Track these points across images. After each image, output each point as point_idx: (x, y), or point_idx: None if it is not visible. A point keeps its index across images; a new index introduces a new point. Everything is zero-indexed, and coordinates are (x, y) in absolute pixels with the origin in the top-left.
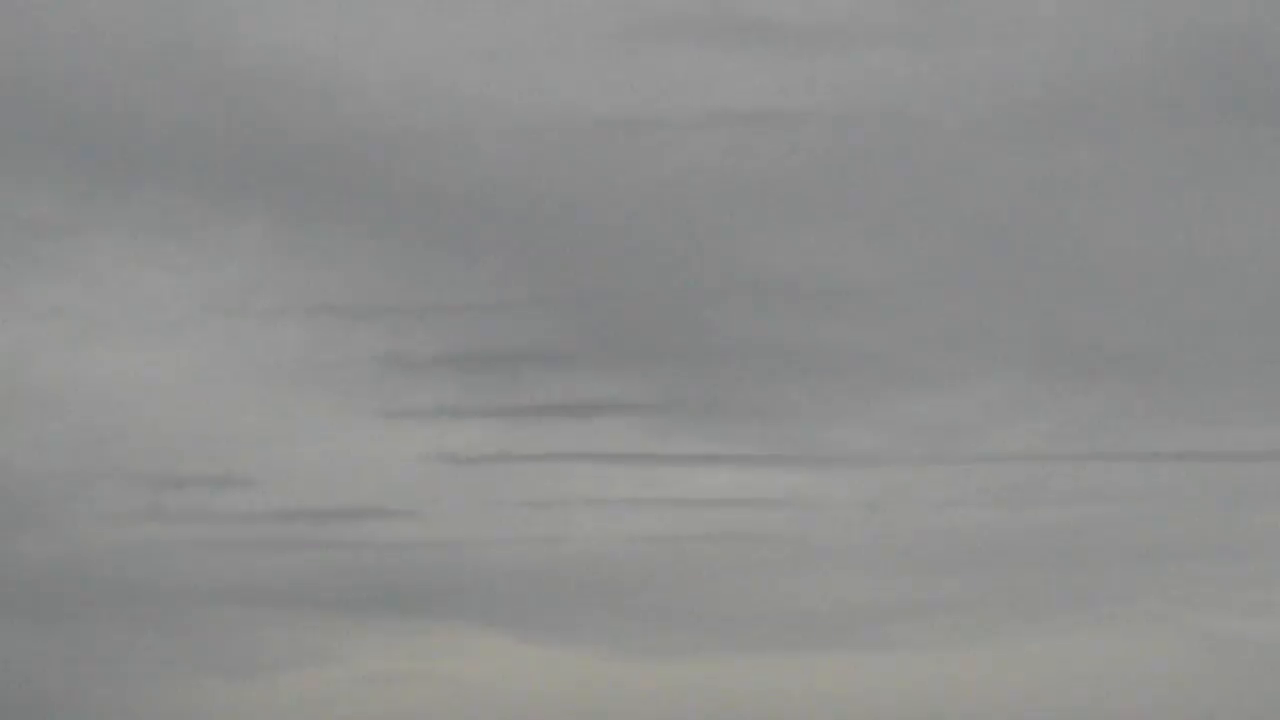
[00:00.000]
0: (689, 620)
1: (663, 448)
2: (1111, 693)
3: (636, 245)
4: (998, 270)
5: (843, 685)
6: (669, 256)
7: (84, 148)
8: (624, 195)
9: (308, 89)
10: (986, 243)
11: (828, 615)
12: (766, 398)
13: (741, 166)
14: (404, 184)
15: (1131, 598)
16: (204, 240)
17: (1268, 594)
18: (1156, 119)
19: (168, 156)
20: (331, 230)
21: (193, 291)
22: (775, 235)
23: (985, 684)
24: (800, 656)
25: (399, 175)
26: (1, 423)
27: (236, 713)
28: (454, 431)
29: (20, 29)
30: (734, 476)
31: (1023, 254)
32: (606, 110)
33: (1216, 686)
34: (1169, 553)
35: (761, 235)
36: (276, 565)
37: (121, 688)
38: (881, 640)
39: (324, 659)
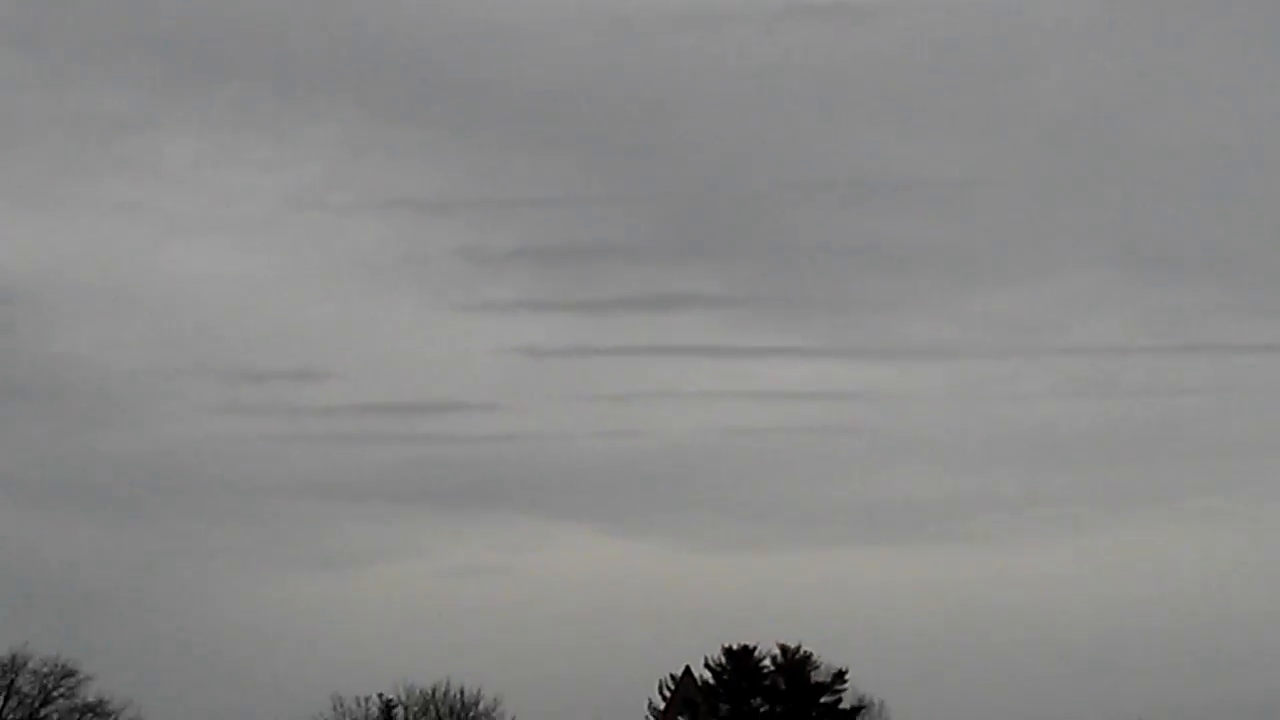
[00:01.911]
0: (765, 513)
1: (741, 341)
2: (1190, 582)
3: (715, 141)
4: (1079, 165)
5: (920, 578)
6: (747, 152)
7: (163, 46)
8: (703, 91)
9: None
10: (1068, 138)
11: (904, 508)
12: (845, 292)
13: (821, 63)
14: (483, 80)
15: (1210, 489)
16: (283, 137)
17: None
18: (1243, 12)
19: (247, 54)
20: (410, 126)
21: (272, 188)
22: (854, 131)
23: (1063, 576)
24: (877, 549)
25: (478, 71)
26: (82, 321)
27: (320, 605)
28: (533, 325)
29: None
30: (812, 370)
31: (1104, 149)
32: (687, 6)
33: None
34: (1248, 445)
35: (841, 131)
36: (357, 459)
37: (205, 581)
38: (959, 533)
39: (406, 552)
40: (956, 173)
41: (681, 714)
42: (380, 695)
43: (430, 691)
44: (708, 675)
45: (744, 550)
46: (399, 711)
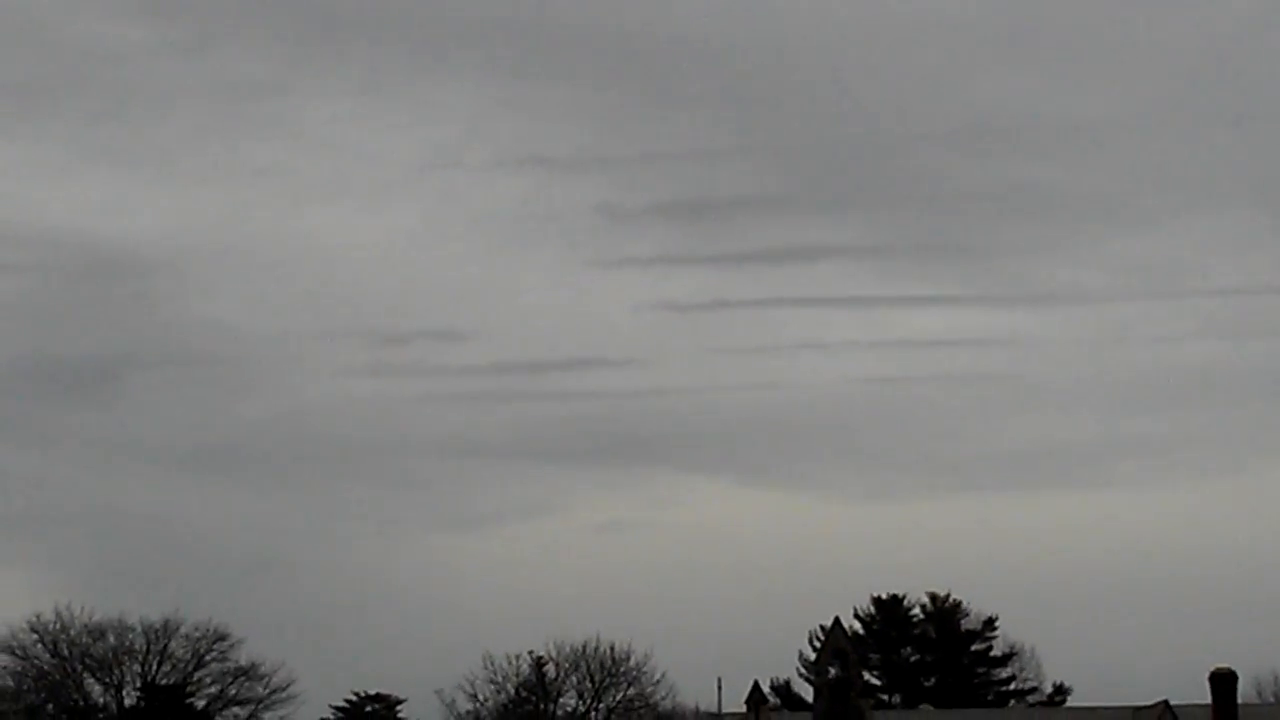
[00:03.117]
0: (909, 462)
1: (880, 291)
2: None
3: (851, 89)
4: (1217, 107)
5: (1067, 524)
6: (884, 100)
7: (295, 8)
8: (839, 40)
9: None
10: (1206, 80)
11: (1048, 454)
12: (984, 238)
13: (958, 7)
14: (616, 35)
15: None
16: (417, 97)
17: None
18: None
19: (378, 15)
20: (544, 83)
21: (407, 148)
22: (990, 77)
23: (1212, 518)
24: (1023, 496)
25: (613, 27)
26: (223, 286)
27: (467, 565)
28: (671, 280)
29: None
30: (952, 318)
31: (1244, 87)
32: None
33: None
34: None
35: (978, 76)
36: (499, 418)
37: (348, 540)
38: (1104, 478)
39: (548, 509)
40: (1096, 115)
41: (832, 664)
42: (530, 653)
43: (580, 648)
44: (857, 625)
45: (889, 499)
46: (550, 668)
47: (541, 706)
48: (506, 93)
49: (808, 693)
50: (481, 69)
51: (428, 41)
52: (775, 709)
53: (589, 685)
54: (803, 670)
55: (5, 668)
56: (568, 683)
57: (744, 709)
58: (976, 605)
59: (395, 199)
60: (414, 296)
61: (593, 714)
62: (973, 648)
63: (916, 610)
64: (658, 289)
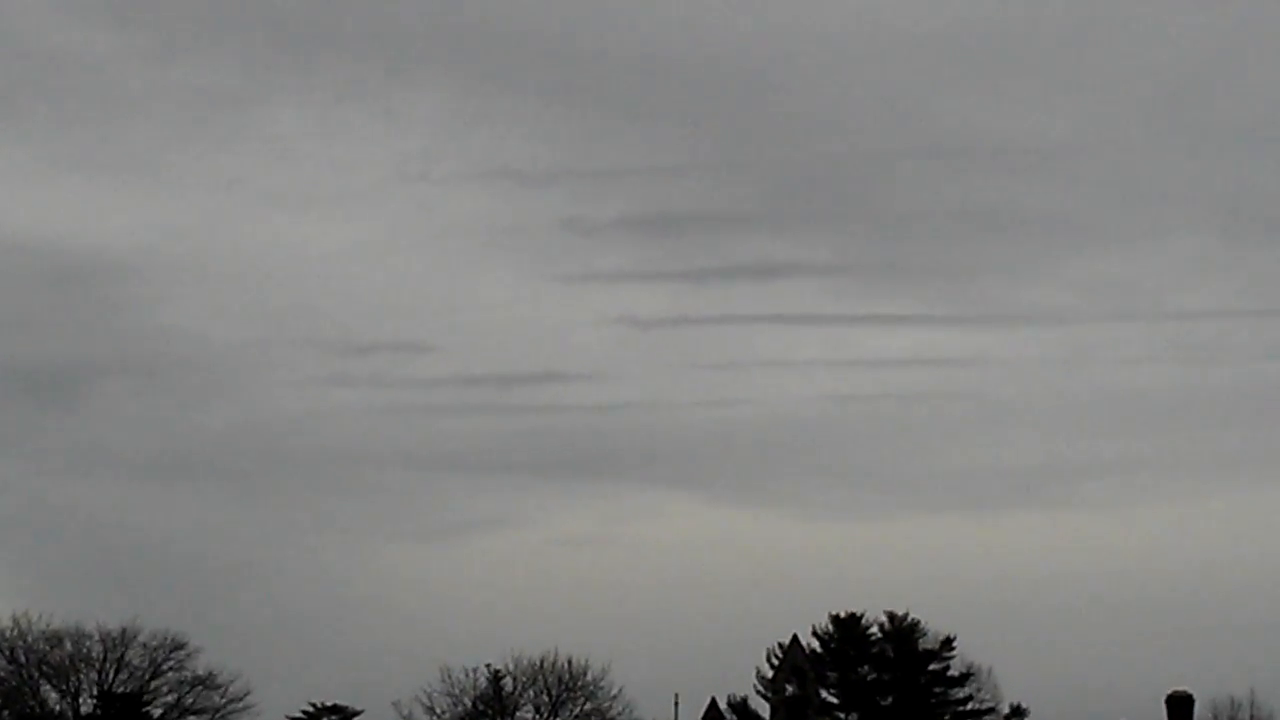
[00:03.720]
0: (871, 480)
1: (846, 309)
2: None
3: (819, 108)
4: (1184, 130)
5: (1027, 544)
6: (852, 119)
7: (264, 18)
8: (807, 58)
9: None
10: (1174, 102)
11: (1010, 474)
12: (950, 258)
13: (926, 28)
14: (586, 50)
15: None
16: (385, 108)
17: None
18: None
19: (348, 26)
20: (511, 96)
21: (374, 160)
22: (957, 98)
23: (1172, 541)
24: (984, 516)
25: (580, 42)
26: (188, 294)
27: (426, 575)
28: (636, 295)
29: None
30: (916, 337)
31: (1210, 113)
32: None
33: None
34: None
35: (946, 96)
36: (462, 430)
37: (311, 550)
38: (1066, 499)
39: (508, 522)
40: (1063, 137)
41: (789, 682)
42: (488, 666)
43: (538, 662)
44: (815, 643)
45: (850, 518)
46: (507, 682)
47: None
48: (474, 106)
49: (765, 710)
50: (450, 82)
51: (396, 53)
52: None
53: (546, 699)
54: (760, 687)
55: None
56: (525, 696)
57: None
58: (935, 624)
59: (361, 210)
60: (379, 307)
61: None
62: (930, 667)
63: (875, 629)
64: (622, 304)
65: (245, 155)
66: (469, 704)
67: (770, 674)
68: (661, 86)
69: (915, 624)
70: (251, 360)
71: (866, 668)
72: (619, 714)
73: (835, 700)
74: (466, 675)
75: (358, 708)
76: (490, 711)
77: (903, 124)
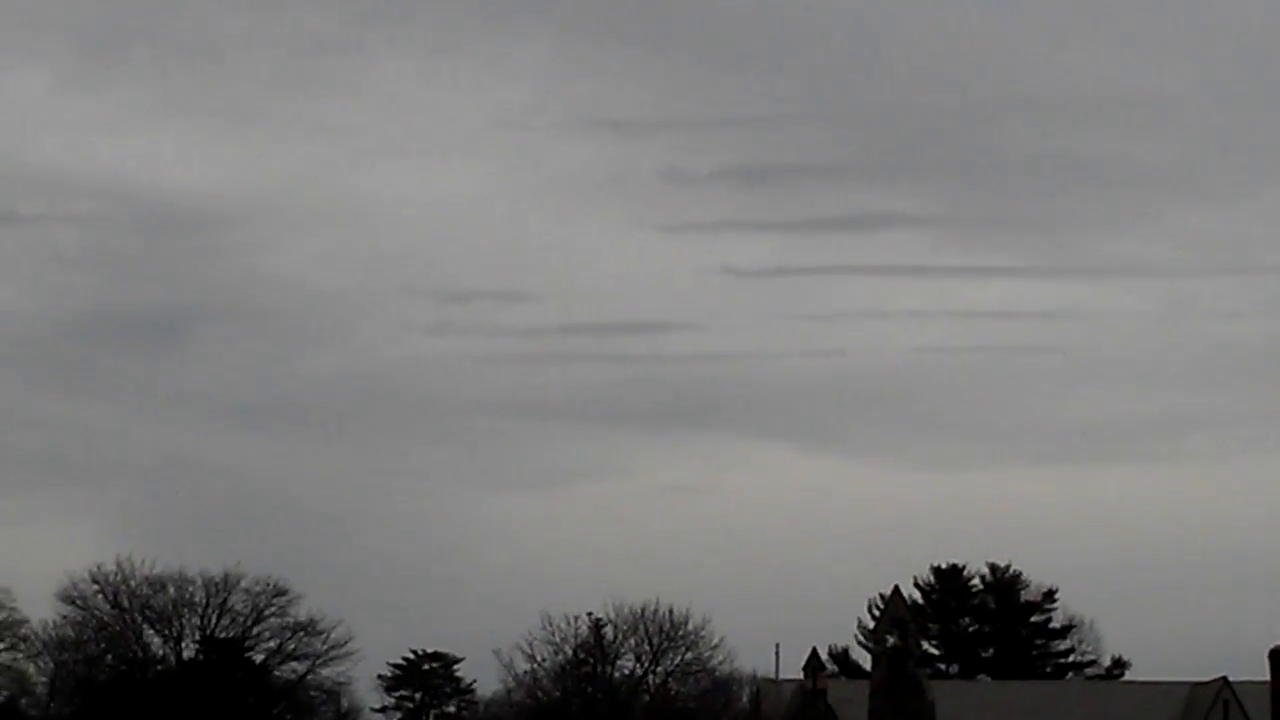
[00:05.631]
0: (972, 432)
1: (943, 260)
2: None
3: (919, 58)
4: None
5: (1129, 497)
6: (952, 69)
7: None
8: (908, 6)
9: None
10: (1275, 55)
11: (1112, 427)
12: (1050, 210)
13: None
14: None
15: None
16: (486, 58)
17: None
18: None
19: None
20: (613, 46)
21: (475, 109)
22: (1060, 48)
23: (1272, 494)
24: (1085, 468)
25: None
26: (289, 242)
27: (528, 524)
28: (735, 246)
29: None
30: (1017, 289)
31: None
32: None
33: None
34: None
35: (1047, 48)
36: (561, 379)
37: (415, 500)
38: (1168, 452)
39: (609, 471)
40: (1165, 87)
41: (890, 633)
42: (589, 614)
43: (639, 610)
44: (917, 595)
45: (951, 469)
46: (608, 630)
47: (599, 668)
48: (575, 55)
49: (866, 661)
50: (551, 31)
51: (497, 2)
52: (833, 676)
53: (647, 648)
54: (861, 638)
55: (66, 618)
56: (626, 645)
57: (801, 676)
58: (1036, 577)
59: (462, 159)
60: (479, 256)
61: (650, 677)
62: (1032, 619)
63: (976, 580)
64: (722, 254)
65: (346, 103)
66: (570, 652)
67: (871, 625)
68: (763, 37)
69: (1016, 576)
70: (352, 308)
71: (967, 619)
72: (720, 664)
73: (936, 652)
74: (568, 623)
75: (459, 655)
76: (591, 660)
77: (1004, 75)
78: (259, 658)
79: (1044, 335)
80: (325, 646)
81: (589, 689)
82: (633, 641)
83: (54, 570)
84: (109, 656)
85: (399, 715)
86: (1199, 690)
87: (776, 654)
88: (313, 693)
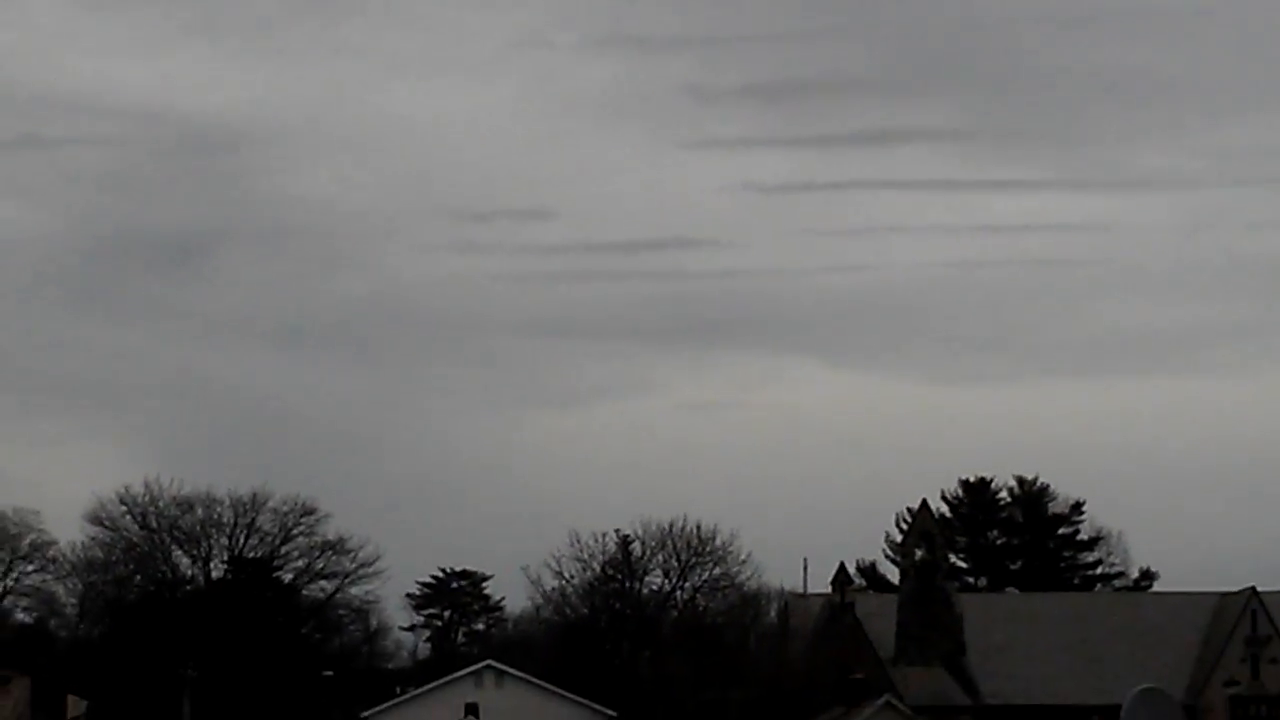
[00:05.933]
0: (998, 346)
1: (968, 174)
2: None
3: None
4: None
5: (1156, 409)
6: None
7: None
8: None
9: None
10: None
11: (1138, 339)
12: (1076, 123)
13: None
14: None
15: None
16: None
17: None
18: None
19: None
20: None
21: (497, 27)
22: None
23: None
24: (1111, 380)
25: None
26: (311, 163)
27: (554, 442)
28: (759, 161)
29: None
30: (1041, 202)
31: None
32: None
33: None
34: None
35: None
36: (586, 296)
37: (438, 419)
38: (1194, 363)
39: (634, 388)
40: (1192, 2)
41: (919, 547)
42: (617, 531)
43: (667, 527)
44: (944, 508)
45: (977, 383)
46: (636, 546)
47: (627, 584)
48: None
49: (894, 574)
50: None
51: None
52: (861, 590)
53: (675, 564)
54: (889, 552)
55: (95, 539)
56: (654, 561)
57: (830, 590)
58: (1064, 489)
59: (485, 78)
60: (500, 174)
61: (678, 593)
62: (1059, 531)
63: (1004, 493)
64: (745, 170)
65: (369, 22)
66: (597, 568)
67: (899, 539)
68: None
69: (1044, 488)
70: (374, 228)
71: (995, 532)
72: (748, 579)
73: (964, 565)
74: (595, 540)
75: (487, 573)
76: (619, 576)
77: None
78: (287, 577)
79: (1070, 248)
80: (353, 565)
81: (617, 605)
82: (660, 557)
83: (82, 492)
84: (137, 577)
85: (427, 633)
86: (1227, 600)
87: (805, 568)
88: (341, 611)
